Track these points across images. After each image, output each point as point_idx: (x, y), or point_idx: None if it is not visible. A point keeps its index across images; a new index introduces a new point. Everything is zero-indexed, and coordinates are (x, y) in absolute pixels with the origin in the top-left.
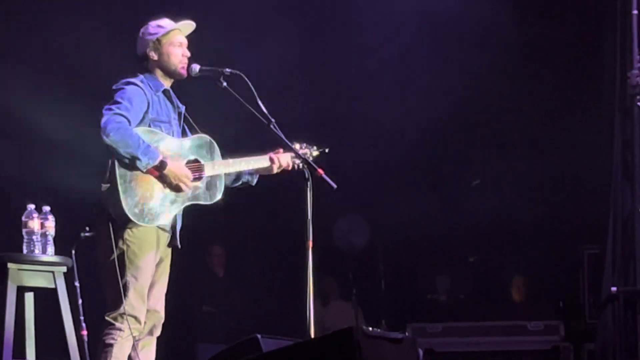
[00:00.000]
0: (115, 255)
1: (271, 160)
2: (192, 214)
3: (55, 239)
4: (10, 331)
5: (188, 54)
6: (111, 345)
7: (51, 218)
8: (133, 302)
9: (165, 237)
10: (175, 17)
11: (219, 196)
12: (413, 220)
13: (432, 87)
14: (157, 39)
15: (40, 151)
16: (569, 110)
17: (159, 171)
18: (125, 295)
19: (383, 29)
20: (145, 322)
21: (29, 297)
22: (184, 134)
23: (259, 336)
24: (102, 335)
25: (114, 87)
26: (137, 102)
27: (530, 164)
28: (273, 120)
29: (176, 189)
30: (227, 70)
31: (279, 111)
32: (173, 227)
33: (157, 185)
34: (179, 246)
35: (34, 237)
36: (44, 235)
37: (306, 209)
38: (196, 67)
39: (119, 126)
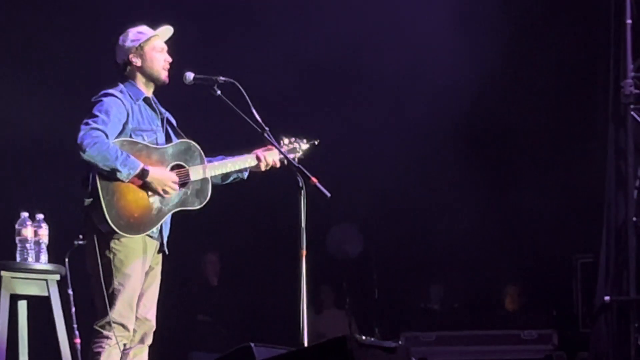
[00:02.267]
0: (101, 264)
1: (258, 159)
2: (187, 222)
3: (48, 247)
4: (3, 339)
5: (170, 59)
6: (99, 353)
7: (44, 226)
8: (121, 310)
9: (154, 245)
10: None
11: (206, 200)
12: (406, 229)
13: (427, 99)
14: (140, 45)
15: (33, 159)
16: (562, 120)
17: (142, 179)
18: (113, 304)
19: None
20: (135, 331)
21: (22, 305)
22: (168, 140)
23: (252, 344)
24: (92, 344)
25: (92, 100)
26: (115, 114)
27: (524, 172)
28: (267, 128)
29: (163, 194)
30: (221, 78)
31: (272, 117)
32: (160, 234)
33: (141, 195)
34: (167, 252)
35: (27, 245)
36: (37, 243)
37: (300, 218)
38: (190, 75)
39: (95, 140)
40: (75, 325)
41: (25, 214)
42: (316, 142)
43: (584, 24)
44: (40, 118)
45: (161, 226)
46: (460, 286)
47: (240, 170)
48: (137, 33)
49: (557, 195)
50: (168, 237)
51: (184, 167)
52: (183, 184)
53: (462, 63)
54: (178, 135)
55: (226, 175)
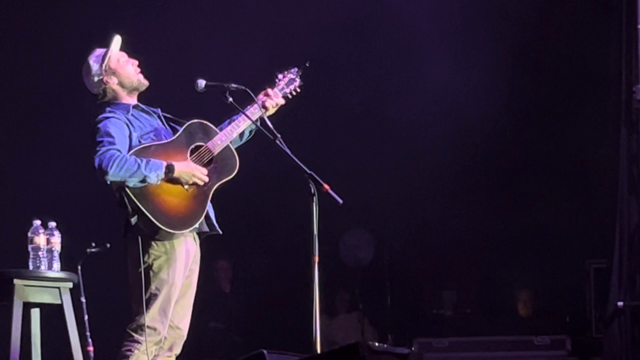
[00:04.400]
0: (141, 268)
1: (264, 107)
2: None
3: (61, 255)
4: (17, 347)
5: (136, 61)
6: (127, 357)
7: (57, 234)
8: (154, 315)
9: (195, 246)
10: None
11: (237, 164)
12: (419, 235)
13: (438, 108)
14: (106, 66)
15: (46, 166)
16: (574, 125)
17: (169, 176)
18: (148, 308)
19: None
20: (165, 338)
21: (35, 313)
22: (174, 133)
23: (264, 351)
24: (121, 346)
25: (91, 134)
26: (116, 130)
27: (537, 177)
28: (279, 135)
29: (195, 185)
30: (233, 85)
31: (286, 120)
32: (207, 217)
33: (178, 189)
34: (220, 232)
35: (40, 253)
36: (49, 251)
37: (312, 224)
38: (202, 83)
39: (113, 159)
40: (88, 333)
41: (37, 222)
42: (307, 64)
43: (595, 29)
44: (51, 125)
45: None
46: (473, 292)
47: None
48: (96, 57)
49: (570, 200)
50: (216, 217)
51: (203, 145)
52: (209, 160)
53: (472, 73)
54: (179, 124)
55: (241, 133)
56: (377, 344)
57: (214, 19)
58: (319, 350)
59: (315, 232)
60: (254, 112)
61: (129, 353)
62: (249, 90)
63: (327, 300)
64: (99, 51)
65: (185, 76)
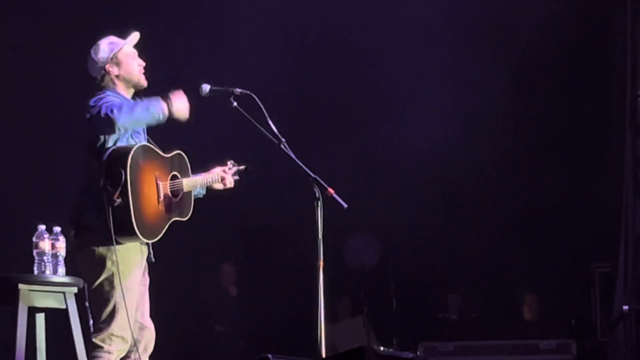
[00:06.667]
0: (103, 277)
1: (222, 179)
2: (202, 231)
3: (66, 260)
4: (22, 352)
5: (143, 63)
6: None
7: (62, 239)
8: (121, 323)
9: (145, 252)
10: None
11: (190, 212)
12: (424, 239)
13: (442, 108)
14: (114, 55)
15: (51, 171)
16: (579, 129)
17: (170, 109)
18: (114, 316)
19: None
20: (139, 340)
21: (40, 318)
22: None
23: (269, 356)
24: (91, 359)
25: (90, 104)
26: (119, 102)
27: (541, 181)
28: (284, 140)
29: (164, 202)
30: (238, 90)
31: (289, 126)
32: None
33: (154, 201)
34: (153, 260)
35: (45, 258)
36: (54, 256)
37: (317, 229)
38: (206, 87)
39: (115, 106)
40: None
41: (42, 227)
42: (248, 168)
43: (600, 33)
44: (56, 131)
45: None
46: (478, 296)
47: (202, 187)
48: (109, 44)
49: (575, 204)
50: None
51: (179, 177)
52: (177, 194)
53: (476, 77)
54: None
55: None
56: (382, 348)
57: (214, 20)
58: (323, 354)
59: (320, 236)
60: (214, 177)
61: None
62: (254, 95)
63: (330, 305)
64: (114, 39)
65: (187, 80)
